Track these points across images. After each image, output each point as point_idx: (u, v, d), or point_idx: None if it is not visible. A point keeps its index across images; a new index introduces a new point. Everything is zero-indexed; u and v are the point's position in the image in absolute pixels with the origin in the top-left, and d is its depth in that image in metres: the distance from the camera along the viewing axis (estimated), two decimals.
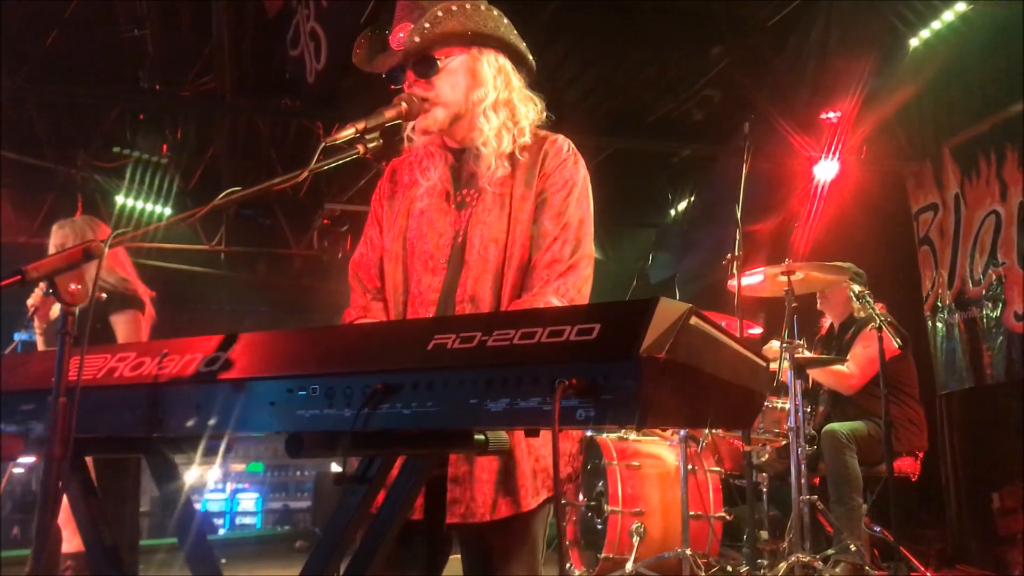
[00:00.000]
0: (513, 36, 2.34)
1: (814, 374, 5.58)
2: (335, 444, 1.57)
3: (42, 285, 1.75)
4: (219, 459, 1.94)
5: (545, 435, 2.09)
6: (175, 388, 1.73)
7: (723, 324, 4.78)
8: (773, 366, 5.21)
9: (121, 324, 4.46)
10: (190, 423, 1.72)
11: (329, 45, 5.59)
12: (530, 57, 2.39)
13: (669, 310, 1.36)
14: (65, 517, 3.85)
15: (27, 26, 6.56)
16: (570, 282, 2.17)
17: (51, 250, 4.51)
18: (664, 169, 10.00)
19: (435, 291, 2.24)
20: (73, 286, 1.75)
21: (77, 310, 1.75)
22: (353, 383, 1.53)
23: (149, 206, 9.56)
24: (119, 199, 9.41)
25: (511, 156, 2.29)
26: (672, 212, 10.27)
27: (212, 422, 1.69)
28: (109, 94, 7.45)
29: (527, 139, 2.32)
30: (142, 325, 4.56)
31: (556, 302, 2.10)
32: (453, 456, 2.09)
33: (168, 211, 9.93)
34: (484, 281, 2.20)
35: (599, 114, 8.50)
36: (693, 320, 1.40)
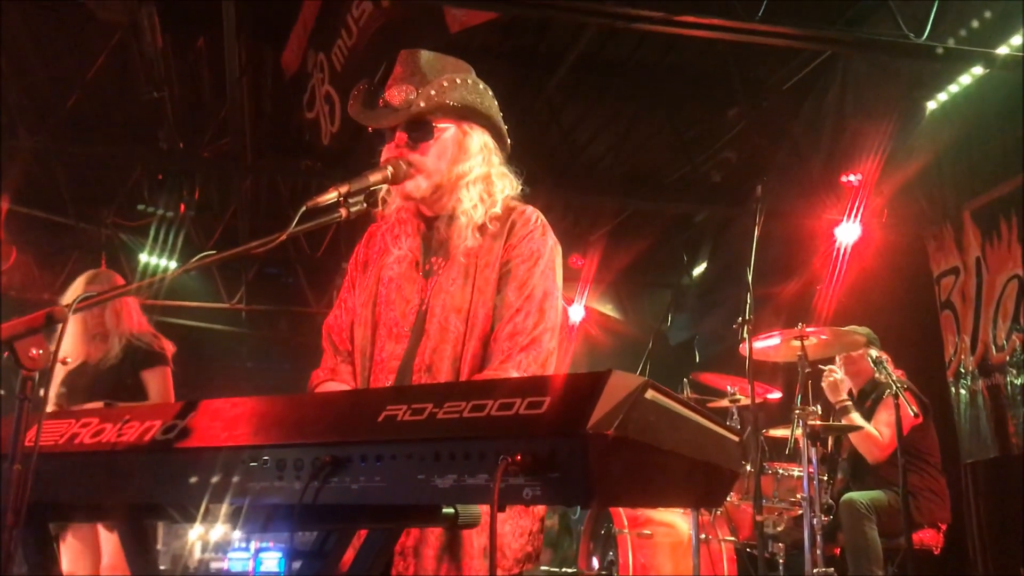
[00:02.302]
0: (499, 117, 2.38)
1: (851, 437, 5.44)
2: (290, 517, 1.53)
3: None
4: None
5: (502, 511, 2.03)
6: (131, 456, 1.69)
7: (736, 388, 4.66)
8: (782, 433, 5.10)
9: (154, 380, 4.48)
10: (145, 492, 1.68)
11: (343, 108, 5.65)
12: (508, 140, 2.42)
13: (622, 384, 1.30)
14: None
15: (50, 87, 6.71)
16: (532, 355, 2.13)
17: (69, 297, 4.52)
18: (683, 230, 9.97)
19: (396, 359, 2.22)
20: (34, 351, 1.72)
21: (37, 375, 1.72)
22: (303, 455, 1.49)
23: (173, 264, 9.63)
24: (142, 257, 9.52)
25: (481, 227, 2.29)
26: (691, 273, 10.20)
27: (166, 491, 1.65)
28: (130, 154, 7.57)
29: (497, 210, 2.32)
30: (171, 381, 4.57)
31: (516, 376, 2.06)
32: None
33: None
34: (443, 351, 2.18)
35: (617, 175, 8.52)
36: (649, 394, 1.34)
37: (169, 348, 4.62)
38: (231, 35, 5.15)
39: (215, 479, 1.59)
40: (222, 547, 10.62)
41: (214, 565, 10.42)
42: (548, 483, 1.27)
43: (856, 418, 5.23)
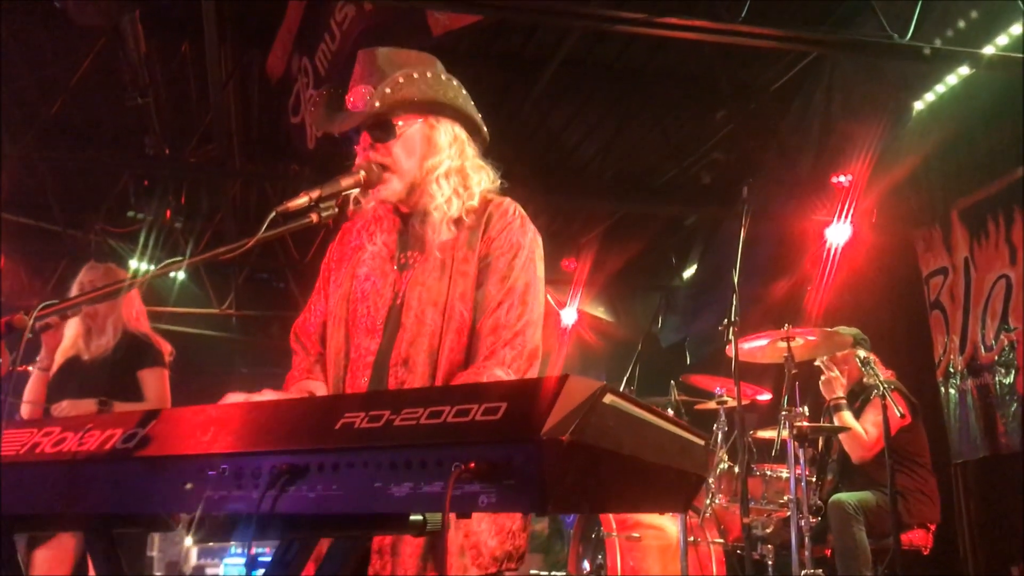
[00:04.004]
0: (470, 106, 2.32)
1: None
2: (249, 526, 1.51)
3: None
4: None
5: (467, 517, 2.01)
6: (91, 465, 1.67)
7: (724, 390, 4.64)
8: (770, 435, 5.09)
9: (150, 382, 4.41)
10: (105, 501, 1.66)
11: None
12: (484, 129, 2.37)
13: (579, 389, 1.28)
14: None
15: (36, 93, 6.68)
16: (516, 350, 2.11)
17: (74, 289, 4.49)
18: (674, 232, 9.96)
19: (371, 354, 2.19)
20: None
21: None
22: (261, 463, 1.47)
23: None
24: (132, 263, 9.48)
25: (457, 220, 2.26)
26: (682, 275, 10.19)
27: (126, 500, 1.63)
28: (116, 160, 7.54)
29: (474, 202, 2.29)
30: (168, 385, 4.50)
31: (501, 374, 2.03)
32: None
33: (181, 275, 10.02)
34: (419, 344, 2.15)
35: (606, 178, 8.51)
36: (608, 399, 1.32)
37: (167, 349, 4.56)
38: (212, 40, 5.13)
39: (175, 488, 1.57)
40: (217, 553, 10.60)
41: (209, 571, 10.40)
42: (504, 490, 1.25)
43: (847, 416, 5.22)
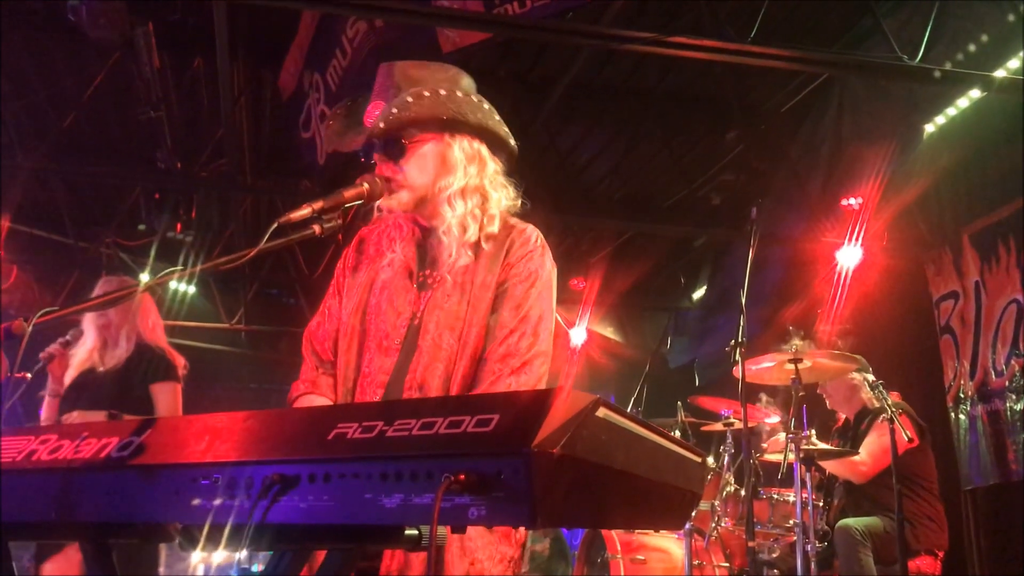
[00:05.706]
0: (492, 121, 2.28)
1: (827, 464, 5.39)
2: (241, 536, 1.50)
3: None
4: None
5: (481, 536, 1.99)
6: (86, 473, 1.67)
7: (731, 412, 4.59)
8: (776, 458, 5.05)
9: (163, 396, 4.41)
10: (99, 510, 1.65)
11: None
12: (511, 142, 2.33)
13: (571, 402, 1.27)
14: None
15: (49, 106, 6.74)
16: (522, 379, 2.07)
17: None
18: (684, 252, 9.95)
19: (385, 373, 2.16)
20: None
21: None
22: (254, 473, 1.46)
23: (173, 284, 9.65)
24: (143, 277, 9.51)
25: (475, 245, 2.23)
26: (692, 296, 10.16)
27: (120, 509, 1.62)
28: (128, 174, 7.60)
29: (495, 227, 2.25)
30: (180, 399, 4.51)
31: None
32: (386, 551, 1.99)
33: (191, 290, 10.06)
34: (435, 369, 2.12)
35: (616, 198, 8.52)
36: (601, 412, 1.31)
37: (181, 363, 4.57)
38: (224, 55, 5.16)
39: (168, 497, 1.57)
40: (224, 569, 10.58)
41: None
42: (494, 502, 1.24)
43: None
